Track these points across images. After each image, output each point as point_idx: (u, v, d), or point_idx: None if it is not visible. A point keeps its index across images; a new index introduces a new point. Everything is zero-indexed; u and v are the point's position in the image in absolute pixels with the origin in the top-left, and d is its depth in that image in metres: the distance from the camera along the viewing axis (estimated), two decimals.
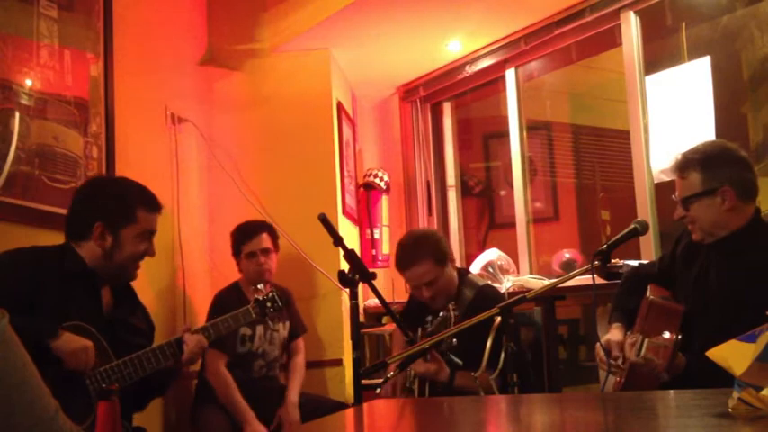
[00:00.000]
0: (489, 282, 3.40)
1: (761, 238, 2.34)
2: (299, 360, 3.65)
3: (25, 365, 1.14)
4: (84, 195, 2.35)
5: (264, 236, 3.55)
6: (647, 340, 2.31)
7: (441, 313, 2.59)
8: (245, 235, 3.54)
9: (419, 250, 2.90)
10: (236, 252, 3.55)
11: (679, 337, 2.29)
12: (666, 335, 2.29)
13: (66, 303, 2.14)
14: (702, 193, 2.34)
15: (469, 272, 3.22)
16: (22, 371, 1.13)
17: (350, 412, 2.13)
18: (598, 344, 2.46)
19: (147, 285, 3.14)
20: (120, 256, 2.27)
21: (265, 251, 3.53)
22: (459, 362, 2.62)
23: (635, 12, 3.73)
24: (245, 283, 3.55)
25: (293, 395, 3.48)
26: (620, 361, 2.38)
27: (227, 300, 3.43)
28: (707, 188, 2.33)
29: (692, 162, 2.37)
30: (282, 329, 3.60)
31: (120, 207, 2.28)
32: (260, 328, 3.49)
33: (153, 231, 2.35)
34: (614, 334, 2.49)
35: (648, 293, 2.51)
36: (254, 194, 4.07)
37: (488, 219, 5.46)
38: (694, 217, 2.38)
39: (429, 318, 2.99)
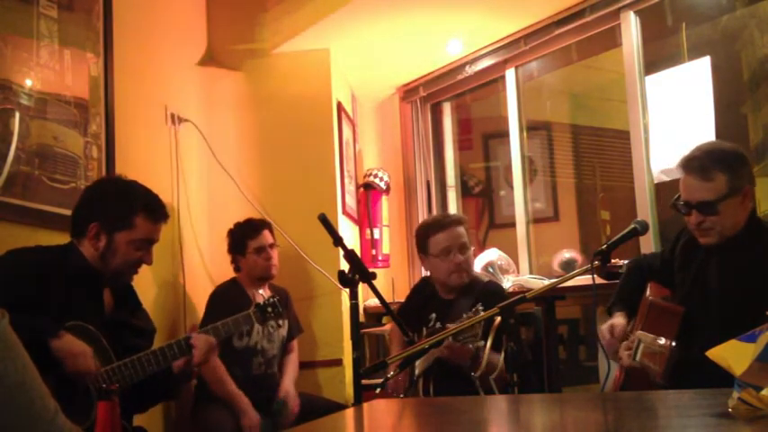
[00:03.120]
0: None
1: (759, 237, 2.34)
2: (293, 357, 3.69)
3: (25, 366, 1.14)
4: (89, 193, 2.35)
5: (267, 232, 3.58)
6: (642, 345, 2.29)
7: (465, 314, 2.58)
8: (252, 230, 3.54)
9: (462, 219, 3.15)
10: (241, 248, 3.54)
11: (674, 343, 2.27)
12: (662, 341, 2.27)
13: (69, 303, 2.13)
14: (729, 194, 2.30)
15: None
16: (22, 371, 1.13)
17: (350, 412, 2.13)
18: (601, 328, 2.46)
19: (147, 285, 3.14)
20: (114, 260, 2.24)
21: (272, 246, 3.57)
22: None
23: (635, 12, 3.73)
24: (245, 280, 3.55)
25: (290, 375, 3.57)
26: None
27: (227, 296, 3.43)
28: (733, 188, 2.30)
29: (715, 163, 2.32)
30: (282, 328, 3.61)
31: (119, 211, 2.24)
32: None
33: (152, 240, 2.31)
34: (617, 320, 2.50)
35: (648, 293, 2.51)
36: (254, 194, 4.07)
37: (488, 219, 5.46)
38: (717, 220, 2.32)
39: (433, 315, 2.99)
